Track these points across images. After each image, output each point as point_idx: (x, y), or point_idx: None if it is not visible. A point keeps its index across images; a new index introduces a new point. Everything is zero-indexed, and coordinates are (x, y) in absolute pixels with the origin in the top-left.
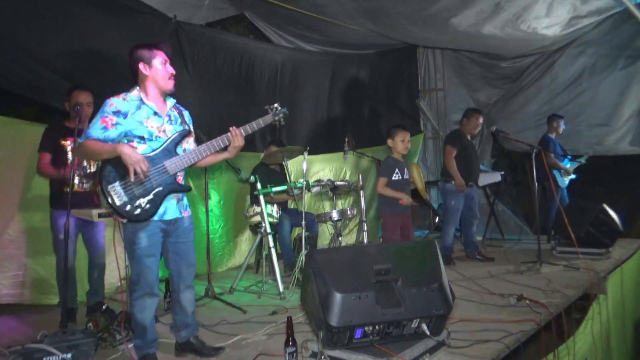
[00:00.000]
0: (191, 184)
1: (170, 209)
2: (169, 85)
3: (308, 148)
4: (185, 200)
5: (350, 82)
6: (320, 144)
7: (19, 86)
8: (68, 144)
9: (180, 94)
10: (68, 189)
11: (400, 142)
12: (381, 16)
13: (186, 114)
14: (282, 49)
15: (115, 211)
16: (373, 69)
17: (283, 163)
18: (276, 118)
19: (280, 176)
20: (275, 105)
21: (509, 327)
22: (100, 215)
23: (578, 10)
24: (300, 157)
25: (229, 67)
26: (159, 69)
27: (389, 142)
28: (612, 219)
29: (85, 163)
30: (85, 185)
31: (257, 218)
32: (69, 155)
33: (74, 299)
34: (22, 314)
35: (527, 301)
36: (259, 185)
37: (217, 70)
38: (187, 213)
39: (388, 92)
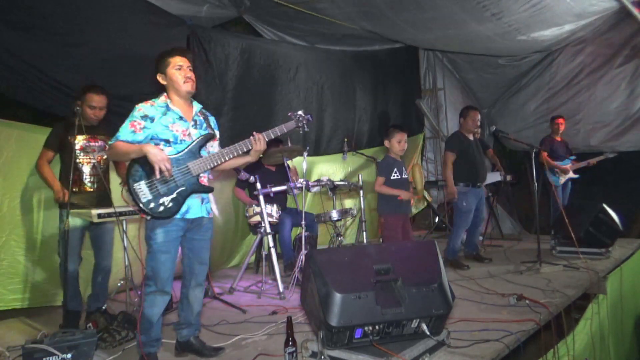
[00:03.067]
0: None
1: (194, 208)
2: (185, 88)
3: (308, 148)
4: (210, 203)
5: (359, 80)
6: (330, 144)
7: (32, 98)
8: (76, 142)
9: (201, 98)
10: (76, 189)
11: (396, 143)
12: (381, 18)
13: (212, 119)
14: (300, 48)
15: (140, 208)
16: (380, 67)
17: (284, 162)
18: (299, 125)
19: (275, 175)
20: (300, 112)
21: (508, 326)
22: (99, 216)
23: (578, 19)
24: (305, 157)
25: (248, 68)
26: (173, 74)
27: (386, 142)
28: (612, 219)
29: (95, 162)
30: (95, 185)
31: (257, 218)
32: (77, 152)
33: (78, 303)
34: (23, 315)
35: (527, 301)
36: (258, 185)
37: (236, 72)
38: (211, 214)
39: (392, 90)
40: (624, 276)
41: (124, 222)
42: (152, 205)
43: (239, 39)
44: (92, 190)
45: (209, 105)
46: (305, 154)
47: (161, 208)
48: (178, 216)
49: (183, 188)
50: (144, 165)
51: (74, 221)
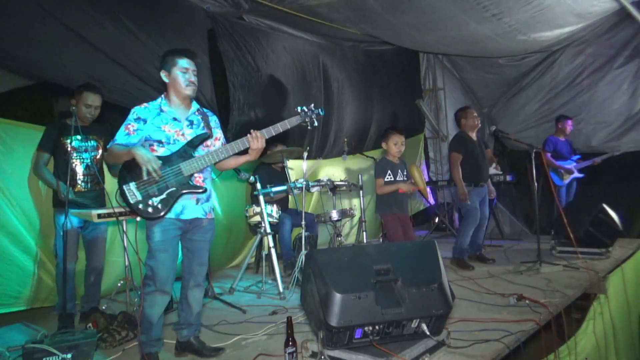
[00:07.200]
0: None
1: (188, 208)
2: (186, 91)
3: (308, 148)
4: (210, 202)
5: (372, 79)
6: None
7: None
8: (68, 143)
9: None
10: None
11: (393, 145)
12: (380, 21)
13: (213, 118)
14: (321, 45)
15: (130, 208)
16: (386, 66)
17: (284, 163)
18: (306, 120)
19: (281, 176)
20: (309, 107)
21: (509, 326)
22: (99, 216)
23: (578, 20)
24: (305, 159)
25: (269, 60)
26: (178, 76)
27: (383, 145)
28: (612, 219)
29: (88, 162)
30: (89, 185)
31: (257, 218)
32: (71, 153)
33: (72, 304)
34: (23, 315)
35: (527, 301)
36: (258, 186)
37: (258, 62)
38: (210, 215)
39: (395, 90)
40: (627, 276)
41: (124, 222)
42: (140, 205)
43: (260, 31)
44: (85, 190)
45: (237, 95)
46: (305, 154)
47: (150, 209)
48: (172, 216)
49: (173, 189)
50: (134, 167)
51: (70, 221)
